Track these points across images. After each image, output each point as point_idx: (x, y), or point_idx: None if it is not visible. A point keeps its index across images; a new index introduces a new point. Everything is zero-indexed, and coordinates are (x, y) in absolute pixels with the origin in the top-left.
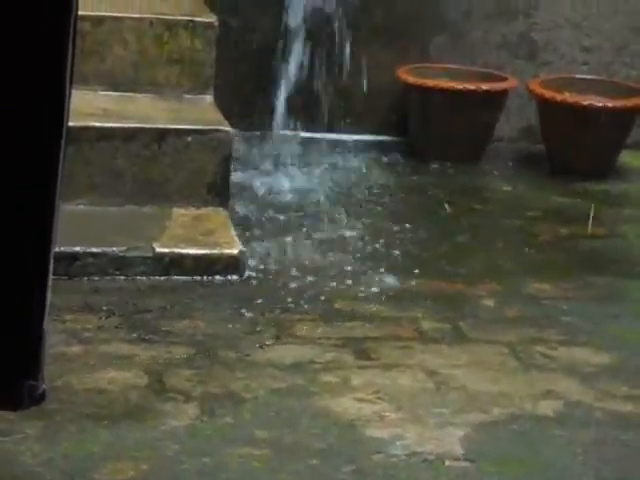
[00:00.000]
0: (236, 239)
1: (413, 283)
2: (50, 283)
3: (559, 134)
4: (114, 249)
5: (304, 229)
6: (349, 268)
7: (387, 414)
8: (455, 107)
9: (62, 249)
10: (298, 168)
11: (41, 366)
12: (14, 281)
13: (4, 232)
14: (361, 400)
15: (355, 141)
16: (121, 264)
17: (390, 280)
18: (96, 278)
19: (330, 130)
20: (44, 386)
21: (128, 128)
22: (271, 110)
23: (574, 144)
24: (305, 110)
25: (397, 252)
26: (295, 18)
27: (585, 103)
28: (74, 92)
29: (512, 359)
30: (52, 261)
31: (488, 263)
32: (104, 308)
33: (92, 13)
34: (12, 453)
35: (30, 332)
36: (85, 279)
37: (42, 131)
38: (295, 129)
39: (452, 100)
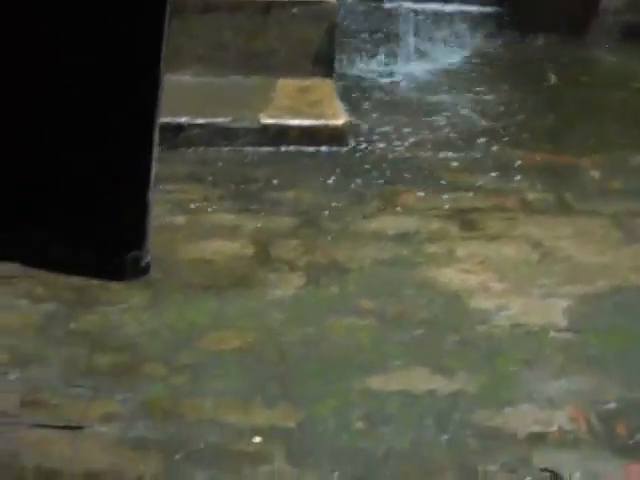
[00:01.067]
0: (342, 110)
1: (519, 154)
2: (155, 153)
3: None
4: (220, 120)
5: (410, 100)
6: (455, 139)
7: (492, 285)
8: None
9: (168, 120)
10: (405, 39)
11: (146, 237)
12: (119, 151)
13: (109, 102)
14: (466, 271)
15: (462, 12)
16: (227, 135)
17: (496, 152)
18: (202, 149)
19: (436, 1)
20: (149, 257)
21: (233, 0)
22: None
23: None
24: None
25: (503, 124)
26: None
27: None
28: None
29: (617, 231)
30: (157, 131)
31: (594, 135)
32: (209, 179)
33: None
34: (118, 322)
35: (135, 202)
36: (191, 150)
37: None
38: (401, 0)
39: None
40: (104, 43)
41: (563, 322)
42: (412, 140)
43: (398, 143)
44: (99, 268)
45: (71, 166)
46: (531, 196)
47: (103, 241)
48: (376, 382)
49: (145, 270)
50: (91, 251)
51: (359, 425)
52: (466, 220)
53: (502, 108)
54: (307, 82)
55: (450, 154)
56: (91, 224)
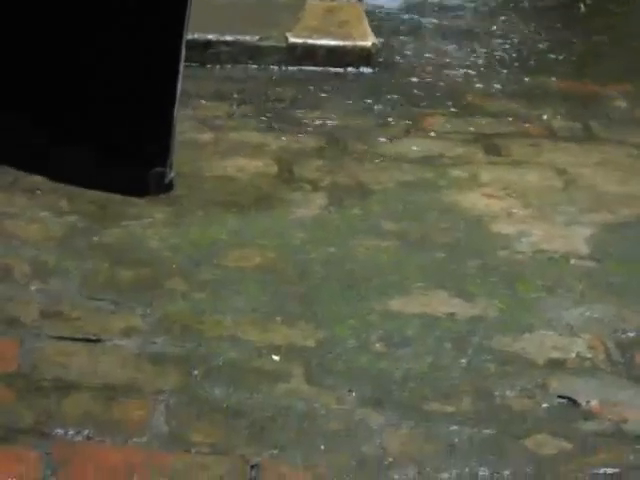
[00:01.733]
0: (370, 31)
1: (546, 82)
2: (182, 69)
3: None
4: (247, 38)
5: (439, 25)
6: (482, 63)
7: (515, 211)
8: None
9: (195, 36)
10: None
11: (170, 153)
12: (145, 64)
13: (138, 13)
14: (489, 196)
15: None
16: (254, 53)
17: (524, 77)
18: (228, 66)
19: None
20: (172, 174)
21: None
22: None
23: None
24: None
25: (530, 51)
26: None
27: None
28: None
29: None
30: (184, 47)
31: (622, 64)
32: (235, 96)
33: None
34: (140, 237)
35: (160, 118)
36: (217, 67)
37: None
38: None
39: None
40: None
41: (585, 250)
42: (439, 64)
43: (425, 67)
44: (123, 183)
45: (98, 78)
46: (556, 123)
47: (128, 156)
48: (396, 304)
49: (169, 187)
50: (115, 166)
51: (378, 346)
52: (491, 145)
53: (530, 36)
54: (335, 3)
55: (477, 79)
56: (116, 138)
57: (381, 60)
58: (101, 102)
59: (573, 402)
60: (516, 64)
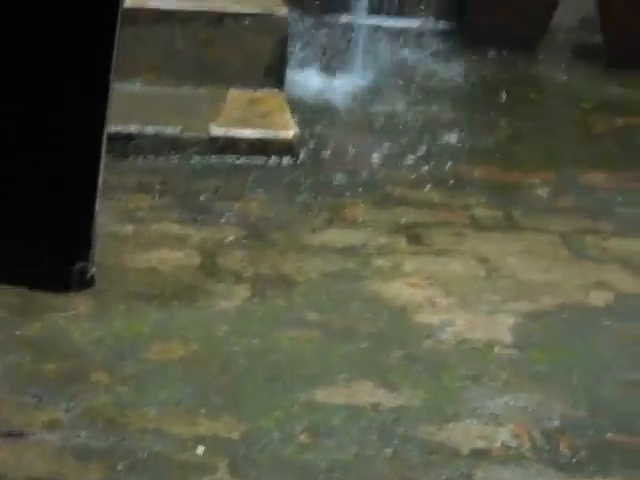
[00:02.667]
0: (292, 122)
1: (467, 170)
2: (103, 162)
3: (618, 24)
4: (169, 129)
5: (359, 113)
6: (403, 153)
7: (438, 300)
8: None
9: (118, 128)
10: (356, 53)
11: (92, 247)
12: (66, 158)
13: (57, 108)
14: (412, 285)
15: (412, 28)
16: (176, 144)
17: (445, 166)
18: (151, 158)
19: (388, 16)
20: (94, 268)
21: (186, 10)
22: None
23: (633, 35)
24: None
25: (452, 139)
26: None
27: None
28: None
29: (564, 249)
30: (105, 140)
31: (543, 152)
32: (158, 188)
33: None
34: (63, 330)
35: (81, 212)
36: (140, 159)
37: (96, 6)
38: (352, 15)
39: None
40: (53, 48)
41: (509, 338)
42: (360, 153)
43: (347, 155)
44: (45, 280)
45: (19, 173)
46: (479, 212)
47: (50, 252)
48: (321, 395)
49: (91, 282)
50: (38, 262)
51: (303, 438)
52: (413, 234)
53: (451, 124)
54: (258, 93)
55: (398, 168)
56: (38, 234)
57: (303, 150)
58: (23, 198)
59: None
60: (438, 153)
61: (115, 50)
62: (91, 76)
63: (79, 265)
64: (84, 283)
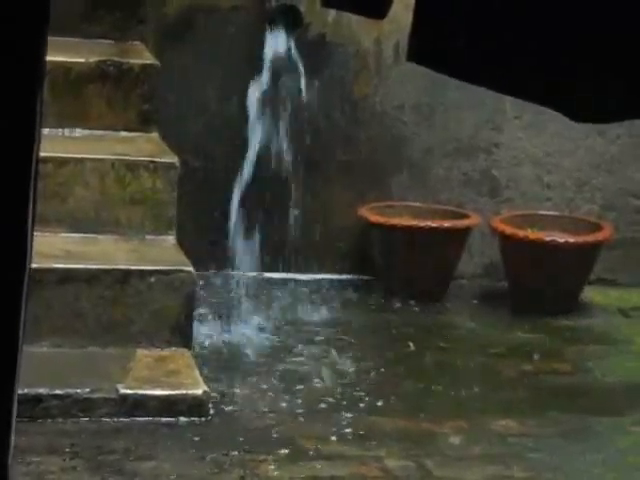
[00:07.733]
0: (200, 379)
1: (378, 421)
2: (14, 425)
3: (522, 271)
4: (78, 391)
5: (267, 369)
6: (313, 407)
7: None
8: (417, 245)
9: (26, 391)
10: (259, 309)
11: None
12: None
13: None
14: None
15: (317, 280)
16: (85, 406)
17: (354, 419)
18: (60, 420)
19: (291, 270)
20: None
21: (91, 269)
22: (232, 251)
23: (537, 281)
24: (265, 251)
25: (361, 391)
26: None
27: (547, 239)
28: (36, 234)
29: None
30: (15, 403)
31: (453, 401)
32: (68, 450)
33: (54, 154)
34: None
35: None
36: (49, 421)
37: (5, 273)
38: (256, 270)
39: (414, 238)
40: None
41: None
42: (272, 407)
43: (258, 410)
44: None
45: None
46: (391, 463)
47: None
48: None
49: None
50: None
51: None
52: None
53: (360, 375)
54: (166, 352)
55: (310, 421)
56: None
57: (213, 408)
58: None
59: None
60: (348, 406)
61: (24, 313)
62: (1, 339)
63: None
64: None
